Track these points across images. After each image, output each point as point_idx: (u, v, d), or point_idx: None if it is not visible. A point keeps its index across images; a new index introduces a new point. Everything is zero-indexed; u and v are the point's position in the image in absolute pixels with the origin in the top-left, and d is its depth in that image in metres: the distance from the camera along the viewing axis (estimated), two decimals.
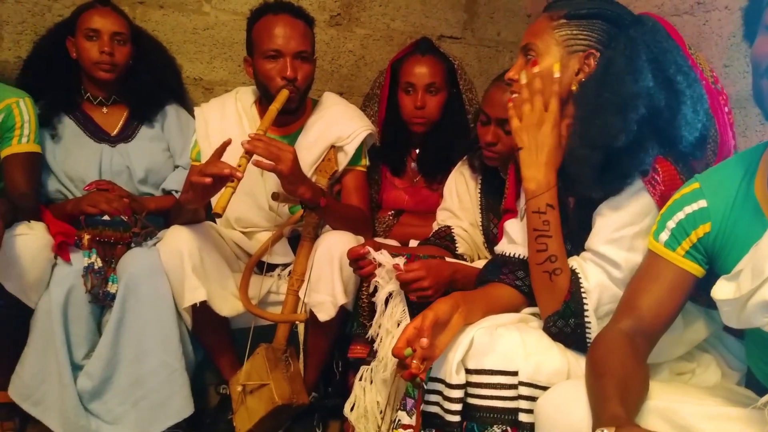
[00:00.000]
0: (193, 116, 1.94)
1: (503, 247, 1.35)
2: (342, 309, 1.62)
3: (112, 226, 1.66)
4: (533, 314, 1.24)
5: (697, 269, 0.98)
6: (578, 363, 1.06)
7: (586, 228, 1.18)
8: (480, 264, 1.50)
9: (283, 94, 1.68)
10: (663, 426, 0.87)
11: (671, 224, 1.00)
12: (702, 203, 0.98)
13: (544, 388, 1.01)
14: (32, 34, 2.04)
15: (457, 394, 1.07)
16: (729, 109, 1.25)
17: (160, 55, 2.04)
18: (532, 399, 1.01)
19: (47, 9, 2.06)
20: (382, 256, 1.42)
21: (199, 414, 1.72)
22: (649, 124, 1.10)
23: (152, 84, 1.95)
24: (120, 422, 1.58)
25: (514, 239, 1.33)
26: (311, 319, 1.63)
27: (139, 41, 1.95)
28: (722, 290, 0.89)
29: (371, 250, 1.43)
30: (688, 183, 1.02)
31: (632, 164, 1.11)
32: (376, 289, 1.47)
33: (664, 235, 1.00)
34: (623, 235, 1.12)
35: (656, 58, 1.14)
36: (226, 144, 1.52)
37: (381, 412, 1.43)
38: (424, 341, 1.05)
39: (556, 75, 1.17)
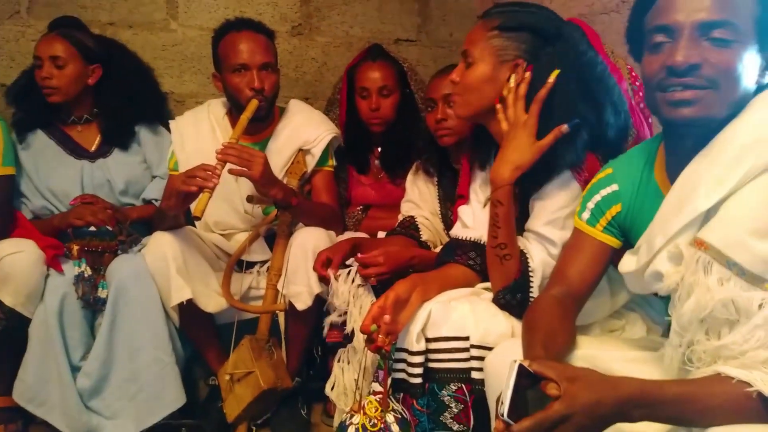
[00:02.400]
0: (167, 128, 2.06)
1: (457, 231, 1.52)
2: (318, 298, 1.74)
3: (98, 236, 1.78)
4: (485, 288, 1.41)
5: (613, 241, 1.15)
6: (520, 327, 1.23)
7: (525, 216, 1.36)
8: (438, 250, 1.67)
9: (253, 104, 1.82)
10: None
11: (591, 205, 1.16)
12: (614, 186, 1.14)
13: (492, 349, 1.17)
14: (8, 59, 2.15)
15: (419, 359, 1.23)
16: (644, 105, 1.41)
17: (133, 73, 2.10)
18: (482, 359, 1.18)
19: (21, 35, 2.17)
20: (337, 284, 1.60)
21: (191, 406, 1.84)
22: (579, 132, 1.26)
23: (123, 105, 2.02)
24: (119, 416, 1.71)
25: (467, 223, 1.50)
26: (290, 309, 1.76)
27: (109, 62, 2.01)
28: (626, 264, 1.06)
29: (332, 275, 1.61)
30: (603, 168, 1.19)
31: (564, 162, 1.28)
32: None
33: (586, 214, 1.17)
34: (558, 217, 1.30)
35: (579, 76, 1.28)
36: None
37: (358, 388, 1.58)
38: (387, 317, 1.21)
39: (550, 80, 1.26)
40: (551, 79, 1.26)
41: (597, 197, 1.16)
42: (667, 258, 0.97)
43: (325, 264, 1.64)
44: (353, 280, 1.62)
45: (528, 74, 1.29)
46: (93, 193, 1.96)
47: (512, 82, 1.30)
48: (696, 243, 0.94)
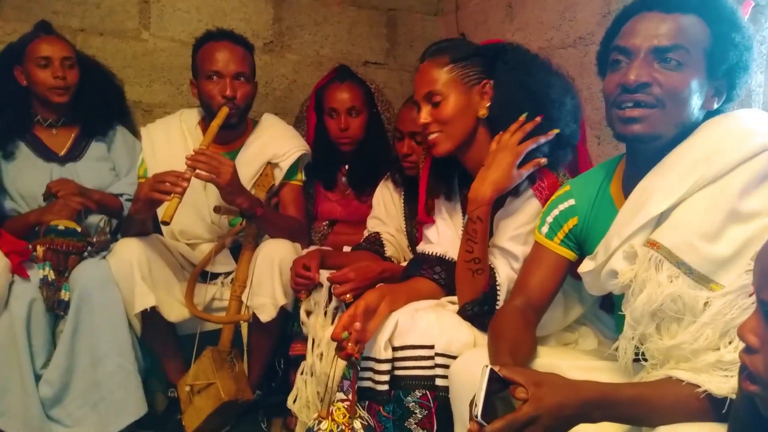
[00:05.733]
0: (136, 136, 2.07)
1: (423, 247, 1.58)
2: (282, 310, 1.77)
3: (65, 235, 1.75)
4: (450, 301, 1.46)
5: (570, 254, 1.23)
6: (482, 337, 1.29)
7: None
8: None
9: (224, 111, 1.84)
10: None
11: (549, 219, 1.25)
12: (571, 202, 1.23)
13: (455, 357, 1.23)
14: None
15: (385, 367, 1.27)
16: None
17: (104, 76, 2.14)
18: (446, 366, 1.23)
19: None
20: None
21: (149, 418, 1.80)
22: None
23: (100, 103, 2.05)
24: (81, 424, 1.68)
25: (431, 240, 1.56)
26: (254, 320, 1.77)
27: (82, 65, 2.04)
28: (585, 265, 1.14)
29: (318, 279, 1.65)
30: (562, 186, 1.28)
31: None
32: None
33: (545, 228, 1.25)
34: (520, 233, 1.38)
35: (536, 76, 1.38)
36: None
37: (321, 400, 1.60)
38: (357, 325, 1.25)
39: (551, 134, 1.35)
40: (551, 133, 1.35)
41: (555, 212, 1.25)
42: (622, 257, 1.06)
43: (306, 268, 1.68)
44: (325, 313, 1.65)
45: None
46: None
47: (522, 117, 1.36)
48: (649, 243, 1.02)
